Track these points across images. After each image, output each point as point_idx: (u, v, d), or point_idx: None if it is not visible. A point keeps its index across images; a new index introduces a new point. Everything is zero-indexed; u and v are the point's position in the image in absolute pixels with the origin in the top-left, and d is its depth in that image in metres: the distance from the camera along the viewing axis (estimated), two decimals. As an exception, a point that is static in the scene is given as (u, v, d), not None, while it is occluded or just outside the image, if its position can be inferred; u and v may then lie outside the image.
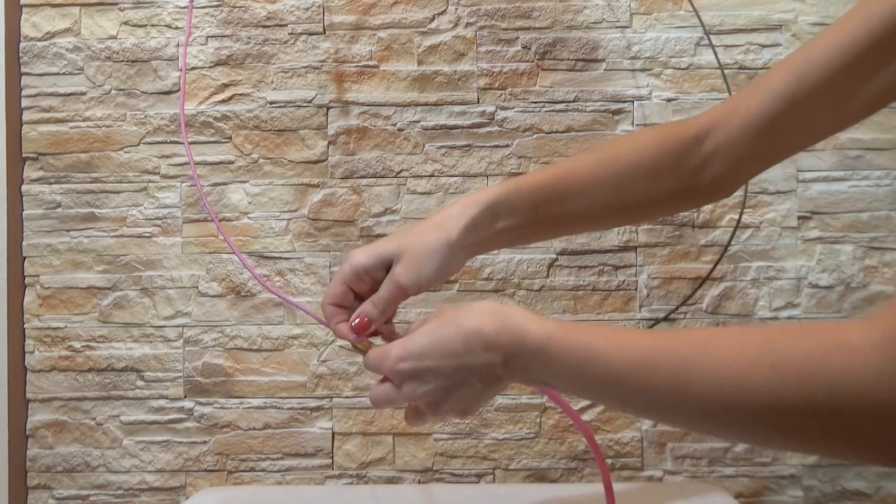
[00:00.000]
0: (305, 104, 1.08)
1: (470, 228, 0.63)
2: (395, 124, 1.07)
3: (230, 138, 1.08)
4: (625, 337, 0.49)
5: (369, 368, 0.59)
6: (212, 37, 1.08)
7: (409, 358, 0.55)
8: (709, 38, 1.03)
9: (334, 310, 0.64)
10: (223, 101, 1.08)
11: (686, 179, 0.65)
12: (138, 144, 1.08)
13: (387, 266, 0.63)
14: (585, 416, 1.06)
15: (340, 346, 1.07)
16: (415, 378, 0.55)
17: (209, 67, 1.08)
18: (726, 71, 1.06)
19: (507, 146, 1.07)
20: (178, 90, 1.08)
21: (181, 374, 1.08)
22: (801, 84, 0.57)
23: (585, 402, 1.06)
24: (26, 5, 1.09)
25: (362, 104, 1.08)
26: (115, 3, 1.09)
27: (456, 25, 1.07)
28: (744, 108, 0.61)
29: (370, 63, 1.08)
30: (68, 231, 1.08)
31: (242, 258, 0.65)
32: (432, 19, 1.07)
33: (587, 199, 0.65)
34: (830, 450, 0.41)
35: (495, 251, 1.07)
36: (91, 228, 1.08)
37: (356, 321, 0.63)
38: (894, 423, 0.36)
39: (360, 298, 0.65)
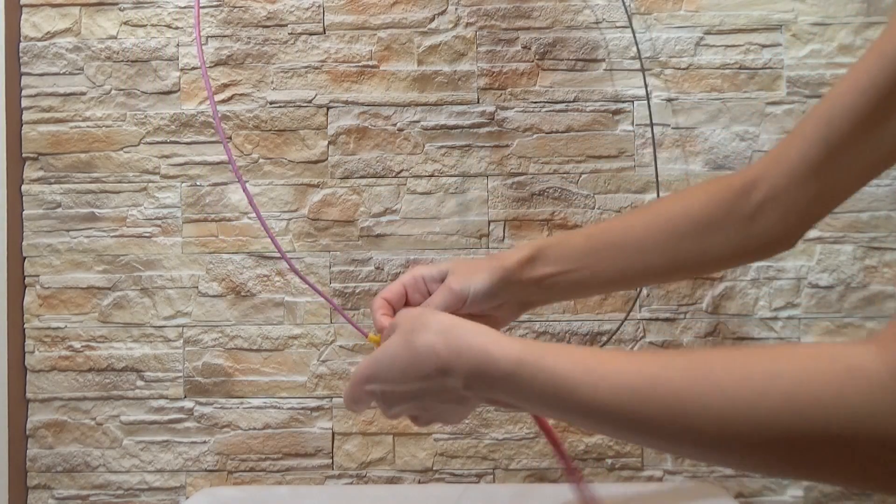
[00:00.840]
0: (305, 104, 1.08)
1: (520, 265, 0.65)
2: (395, 124, 1.07)
3: (230, 138, 1.08)
4: (607, 365, 0.45)
5: (347, 401, 0.58)
6: (212, 37, 1.08)
7: (374, 380, 0.54)
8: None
9: (383, 303, 0.65)
10: (223, 101, 1.08)
11: (739, 232, 0.64)
12: (138, 144, 1.08)
13: (441, 278, 0.66)
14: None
15: (340, 347, 1.07)
16: (384, 400, 0.54)
17: (209, 67, 1.08)
18: (726, 71, 1.06)
19: (507, 146, 1.07)
20: (178, 90, 1.08)
21: (181, 374, 1.08)
22: (831, 129, 0.57)
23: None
24: (26, 5, 1.09)
25: (362, 104, 1.08)
26: (115, 3, 1.09)
27: (456, 25, 1.07)
28: (784, 157, 0.61)
29: (370, 63, 1.08)
30: (68, 231, 1.08)
31: (282, 251, 0.66)
32: (432, 19, 1.07)
33: (640, 253, 0.65)
34: (847, 480, 0.40)
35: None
36: (91, 228, 1.08)
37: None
38: None
39: (409, 305, 0.67)
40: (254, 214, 1.08)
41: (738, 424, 0.39)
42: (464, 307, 0.63)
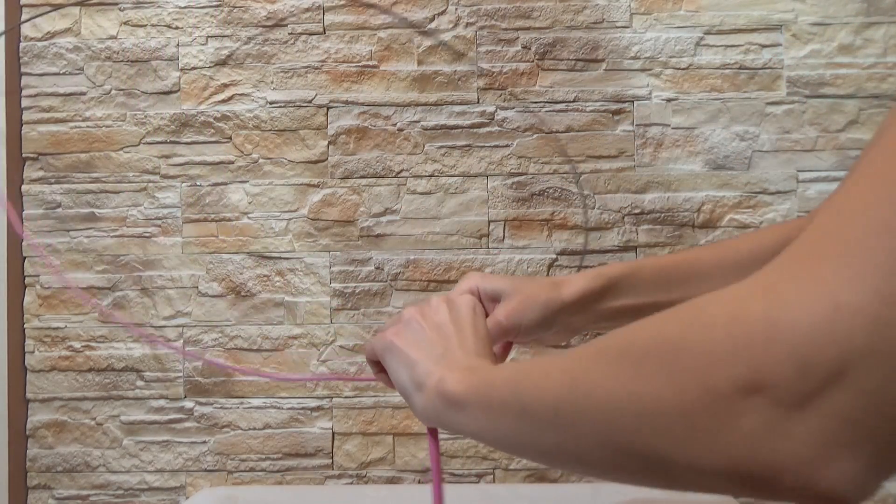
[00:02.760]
0: (305, 104, 1.08)
1: (585, 297, 0.63)
2: (395, 124, 1.07)
3: (230, 138, 1.08)
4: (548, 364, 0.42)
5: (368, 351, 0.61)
6: (212, 37, 1.08)
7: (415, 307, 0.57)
8: None
9: None
10: (223, 101, 1.08)
11: None
12: (138, 144, 1.08)
13: (495, 299, 0.64)
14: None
15: (341, 347, 1.07)
16: (404, 324, 0.57)
17: (209, 67, 1.08)
18: (726, 71, 1.06)
19: (507, 146, 1.07)
20: (178, 90, 1.08)
21: (181, 374, 1.08)
22: None
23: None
24: (26, 5, 1.09)
25: (362, 104, 1.08)
26: (115, 3, 1.09)
27: (456, 25, 1.07)
28: None
29: (370, 63, 1.08)
30: (68, 231, 1.08)
31: None
32: (432, 19, 1.07)
33: (711, 287, 0.64)
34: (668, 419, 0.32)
35: (502, 259, 1.07)
36: (91, 228, 1.08)
37: None
38: (742, 347, 0.29)
39: None
40: (254, 214, 1.08)
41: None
42: (513, 338, 0.63)
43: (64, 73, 1.09)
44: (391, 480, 1.07)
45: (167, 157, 1.08)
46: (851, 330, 0.26)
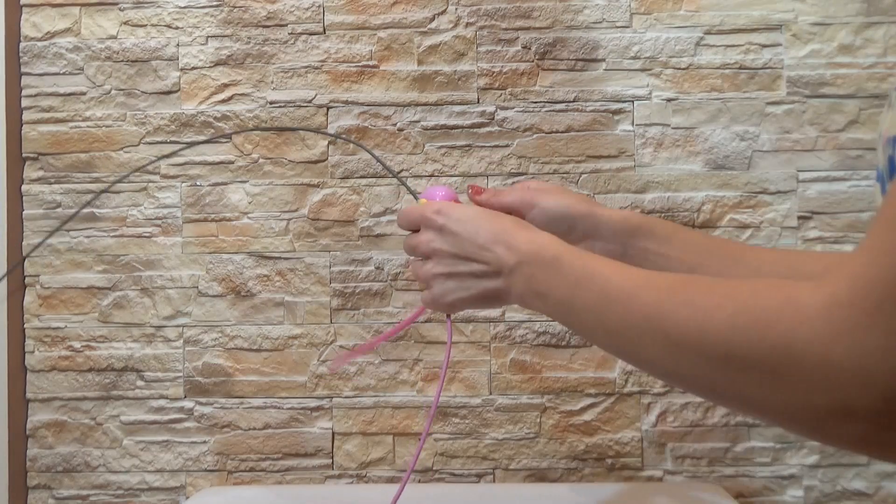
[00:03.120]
0: (305, 104, 1.08)
1: (626, 226, 0.68)
2: (395, 124, 1.07)
3: (230, 138, 1.08)
4: (623, 266, 0.51)
5: (405, 212, 0.65)
6: (212, 37, 1.08)
7: (447, 216, 0.60)
8: None
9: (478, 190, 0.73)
10: (223, 101, 1.08)
11: None
12: (138, 144, 1.08)
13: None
14: (586, 416, 1.06)
15: (341, 346, 1.07)
16: (438, 232, 0.60)
17: (209, 67, 1.08)
18: (726, 71, 1.06)
19: (507, 146, 1.07)
20: (178, 90, 1.09)
21: (181, 374, 1.08)
22: None
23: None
24: (26, 5, 1.09)
25: (362, 104, 1.08)
26: (115, 3, 1.09)
27: (456, 25, 1.07)
28: None
29: (370, 63, 1.08)
30: (68, 231, 1.08)
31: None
32: (432, 19, 1.07)
33: (753, 271, 0.65)
34: (770, 411, 0.41)
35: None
36: (91, 228, 1.08)
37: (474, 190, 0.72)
38: (829, 386, 0.36)
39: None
40: (254, 214, 1.08)
41: (693, 336, 0.42)
42: (528, 212, 0.68)
43: (64, 73, 1.09)
44: (391, 480, 1.07)
45: (167, 157, 1.08)
46: None
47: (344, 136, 1.02)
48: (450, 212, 0.61)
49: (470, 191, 0.71)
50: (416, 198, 0.71)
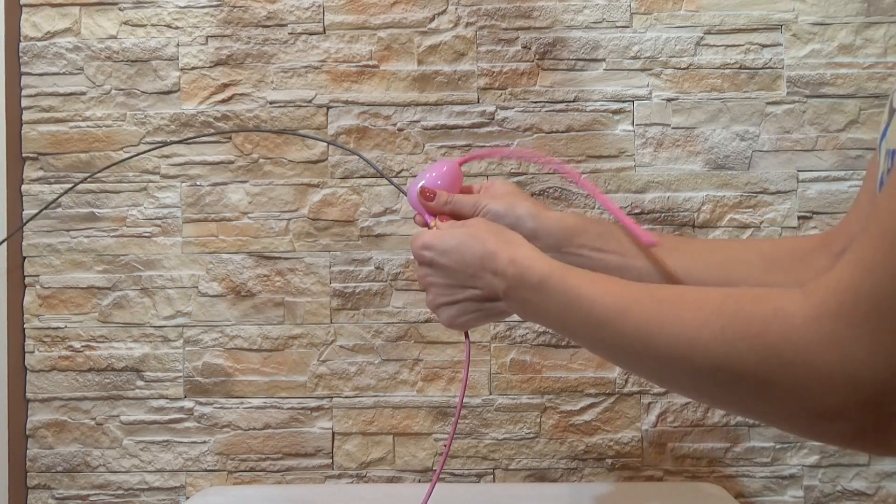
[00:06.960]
0: (305, 104, 1.08)
1: (562, 226, 0.69)
2: (395, 124, 1.07)
3: (230, 138, 1.08)
4: (608, 284, 0.52)
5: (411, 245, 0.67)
6: (212, 37, 1.08)
7: (433, 250, 0.62)
8: None
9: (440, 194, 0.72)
10: (223, 101, 1.08)
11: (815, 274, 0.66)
12: (138, 144, 1.08)
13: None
14: (586, 416, 1.06)
15: (341, 346, 1.07)
16: (430, 266, 0.62)
17: (209, 67, 1.08)
18: (726, 71, 1.06)
19: (507, 146, 1.07)
20: (178, 90, 1.08)
21: (181, 374, 1.08)
22: None
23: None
24: (26, 5, 1.09)
25: (362, 104, 1.08)
26: (115, 3, 1.09)
27: (456, 25, 1.07)
28: (857, 211, 0.62)
29: (370, 63, 1.08)
30: (68, 231, 1.08)
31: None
32: (432, 19, 1.07)
33: (739, 265, 0.67)
34: (765, 414, 0.44)
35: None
36: (91, 228, 1.08)
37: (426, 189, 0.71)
38: (819, 392, 0.39)
39: None
40: (254, 214, 1.08)
41: (685, 351, 0.44)
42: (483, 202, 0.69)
43: (64, 73, 1.09)
44: (391, 480, 1.07)
45: (167, 156, 1.08)
46: None
47: (309, 134, 1.02)
48: (434, 244, 0.62)
49: (421, 196, 0.70)
50: (401, 191, 0.73)
